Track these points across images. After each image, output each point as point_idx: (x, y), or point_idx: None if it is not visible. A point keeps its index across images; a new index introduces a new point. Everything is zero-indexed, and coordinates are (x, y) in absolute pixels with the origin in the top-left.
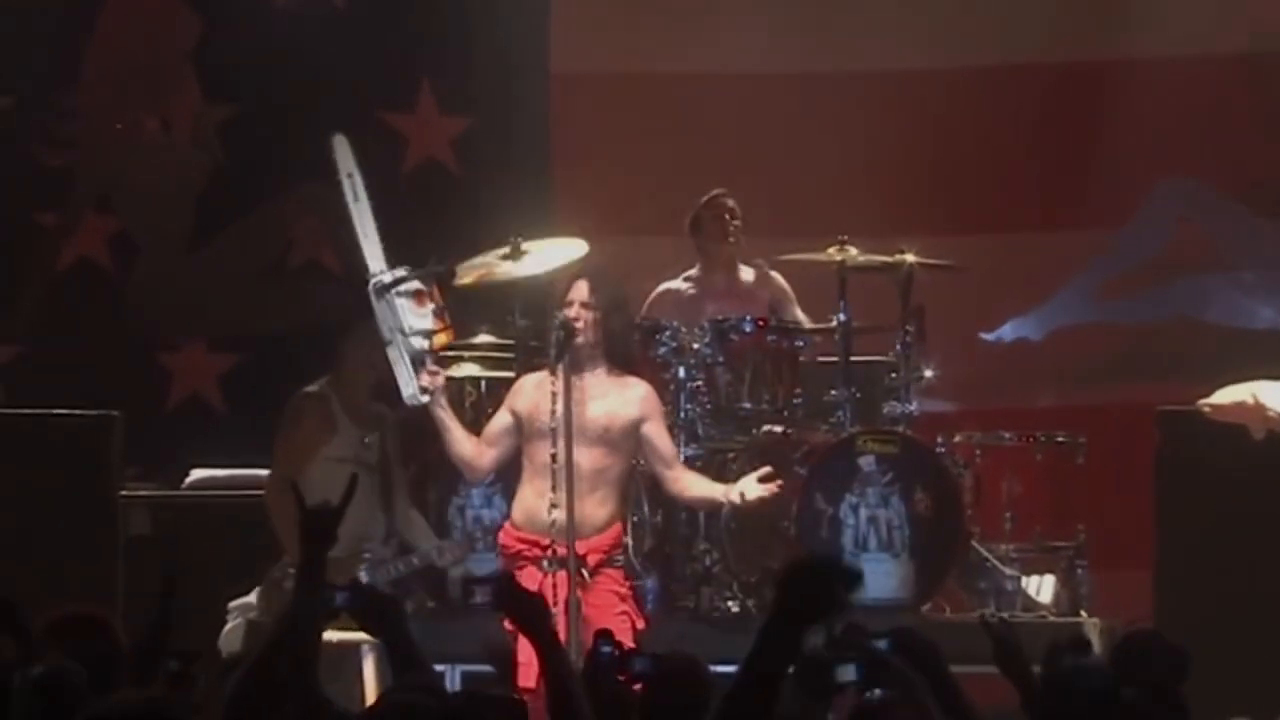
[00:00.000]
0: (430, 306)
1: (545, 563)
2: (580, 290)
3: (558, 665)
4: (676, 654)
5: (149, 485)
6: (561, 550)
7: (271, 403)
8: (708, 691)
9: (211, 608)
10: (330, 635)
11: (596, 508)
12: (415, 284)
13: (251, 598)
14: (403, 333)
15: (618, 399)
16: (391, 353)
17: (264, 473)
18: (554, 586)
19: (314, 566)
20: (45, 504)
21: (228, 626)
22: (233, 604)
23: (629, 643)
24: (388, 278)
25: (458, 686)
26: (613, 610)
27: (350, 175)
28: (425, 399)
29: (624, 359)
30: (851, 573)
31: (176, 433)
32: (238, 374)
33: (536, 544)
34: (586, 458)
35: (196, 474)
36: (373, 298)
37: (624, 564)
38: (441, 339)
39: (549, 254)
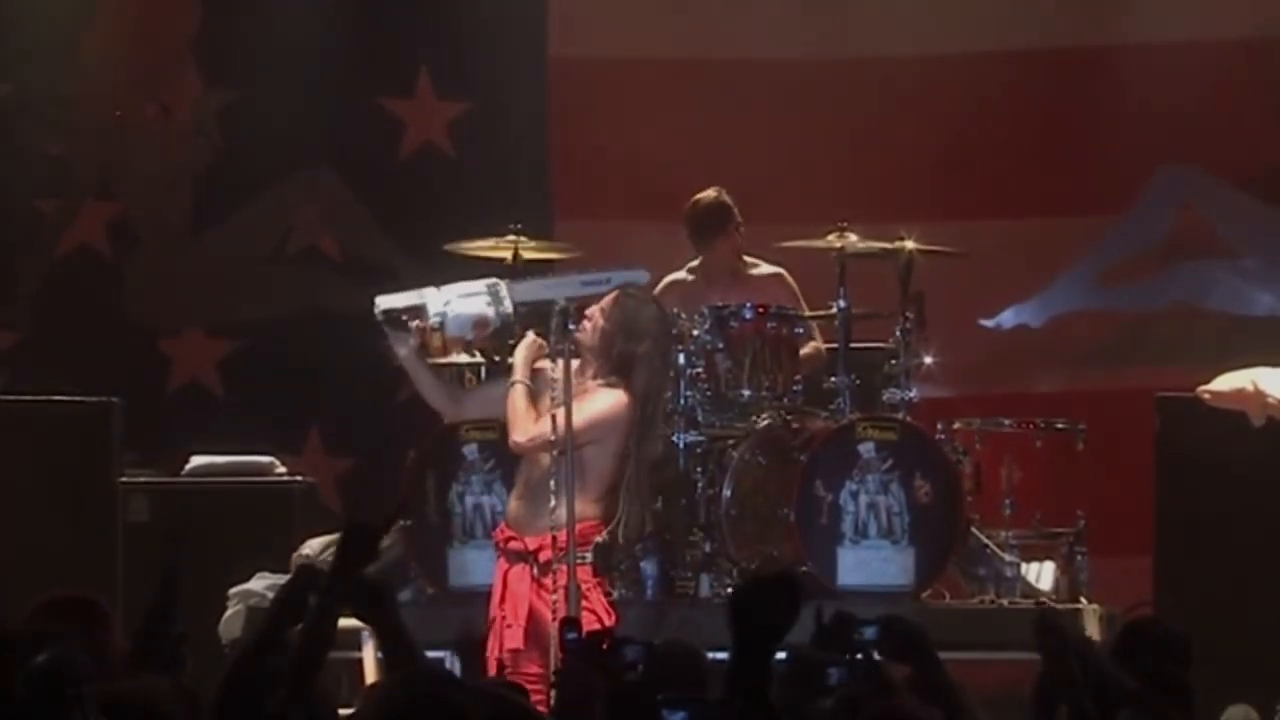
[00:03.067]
0: (472, 334)
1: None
2: (605, 299)
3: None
4: (677, 643)
5: (149, 471)
6: (515, 544)
7: (271, 389)
8: (706, 680)
9: (211, 594)
10: None
11: (554, 503)
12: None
13: (251, 584)
14: (445, 303)
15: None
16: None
17: (265, 459)
18: (505, 577)
19: (346, 580)
20: (45, 490)
21: (228, 613)
22: (233, 590)
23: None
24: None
25: (457, 673)
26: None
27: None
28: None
29: (616, 380)
30: (796, 583)
31: (176, 419)
32: (237, 360)
33: (501, 534)
34: (545, 455)
35: (196, 460)
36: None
37: (592, 562)
38: (435, 342)
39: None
